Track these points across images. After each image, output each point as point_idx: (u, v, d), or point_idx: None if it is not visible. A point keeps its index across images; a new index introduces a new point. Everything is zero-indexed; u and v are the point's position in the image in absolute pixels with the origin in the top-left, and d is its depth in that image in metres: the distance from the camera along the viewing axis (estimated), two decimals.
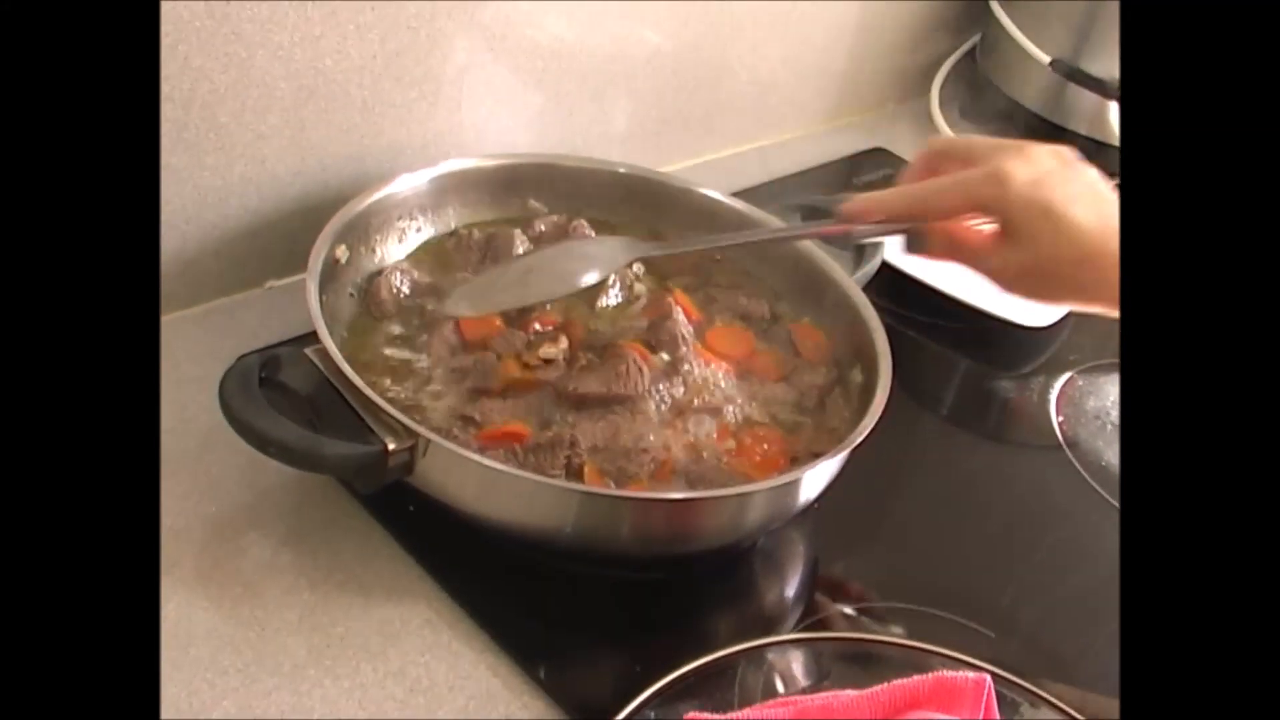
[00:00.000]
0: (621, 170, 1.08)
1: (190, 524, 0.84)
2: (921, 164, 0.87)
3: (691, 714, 0.72)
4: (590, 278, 0.92)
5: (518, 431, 0.86)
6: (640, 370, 0.90)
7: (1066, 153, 0.84)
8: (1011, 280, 0.82)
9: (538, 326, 0.95)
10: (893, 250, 1.10)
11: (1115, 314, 0.80)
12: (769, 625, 0.89)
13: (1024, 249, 0.80)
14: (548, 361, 0.91)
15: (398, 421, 0.79)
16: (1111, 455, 1.06)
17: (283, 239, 1.03)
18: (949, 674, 0.72)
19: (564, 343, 0.93)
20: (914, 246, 0.86)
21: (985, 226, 0.83)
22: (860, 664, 0.83)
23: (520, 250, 1.02)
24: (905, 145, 1.47)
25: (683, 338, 0.95)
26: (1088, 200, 0.80)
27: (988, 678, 0.72)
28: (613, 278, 1.01)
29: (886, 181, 1.32)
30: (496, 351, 0.92)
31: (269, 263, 1.04)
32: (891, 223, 0.85)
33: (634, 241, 0.96)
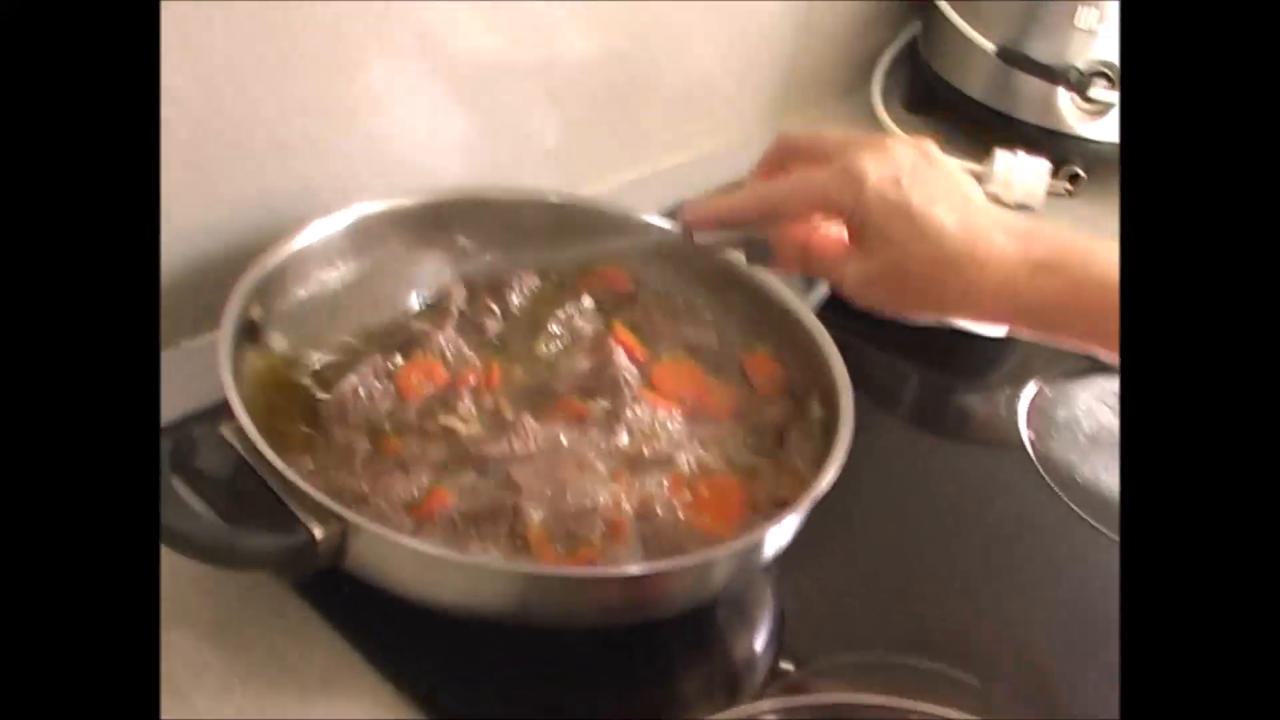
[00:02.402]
0: (553, 200, 1.01)
1: None
2: (769, 161, 0.81)
3: None
4: (413, 299, 0.92)
5: (440, 500, 0.80)
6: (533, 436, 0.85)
7: (928, 146, 0.78)
8: (866, 290, 0.76)
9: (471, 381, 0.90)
10: None
11: (978, 326, 0.75)
12: (738, 686, 0.83)
13: (880, 254, 0.74)
14: (449, 430, 0.86)
15: (322, 506, 0.72)
16: (1087, 469, 1.01)
17: (196, 295, 0.95)
18: None
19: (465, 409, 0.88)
20: (759, 257, 0.81)
21: (839, 231, 0.77)
22: None
23: (458, 297, 0.96)
24: None
25: (625, 381, 0.89)
26: (950, 200, 0.74)
27: None
28: (556, 325, 0.96)
29: None
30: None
31: (183, 321, 0.96)
32: (736, 229, 0.80)
33: (450, 255, 0.95)
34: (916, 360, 1.13)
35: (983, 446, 1.07)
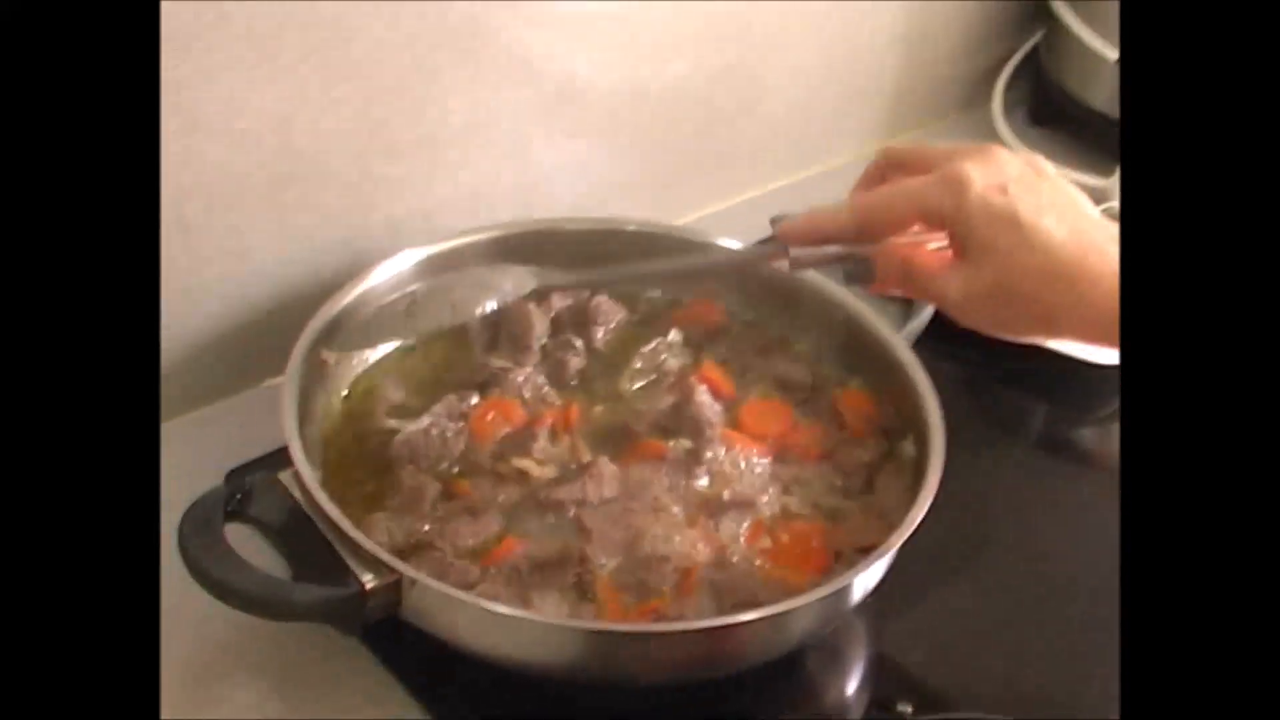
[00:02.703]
0: (633, 228, 0.98)
1: (167, 670, 0.75)
2: (870, 176, 0.77)
3: None
4: (489, 306, 0.83)
5: (510, 549, 0.77)
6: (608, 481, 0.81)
7: (1038, 160, 0.72)
8: (970, 307, 0.71)
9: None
10: None
11: (1084, 350, 0.69)
12: None
13: (985, 267, 0.69)
14: (521, 473, 0.83)
15: (374, 556, 0.70)
16: None
17: (277, 333, 0.92)
18: None
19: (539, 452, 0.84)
20: (858, 276, 0.75)
21: (943, 248, 0.72)
22: None
23: (540, 331, 0.93)
24: None
25: (708, 422, 0.85)
26: (1060, 210, 0.69)
27: None
28: (641, 361, 0.93)
29: None
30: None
31: (267, 360, 0.94)
32: (834, 244, 0.75)
33: (539, 270, 0.87)
34: (1030, 391, 1.07)
35: (1098, 485, 1.00)
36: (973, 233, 0.69)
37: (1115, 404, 1.05)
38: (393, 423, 0.86)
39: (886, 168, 0.76)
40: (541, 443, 0.85)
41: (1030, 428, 1.07)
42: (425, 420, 0.85)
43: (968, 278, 0.69)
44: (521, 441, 0.85)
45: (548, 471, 0.83)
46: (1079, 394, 1.06)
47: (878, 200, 0.73)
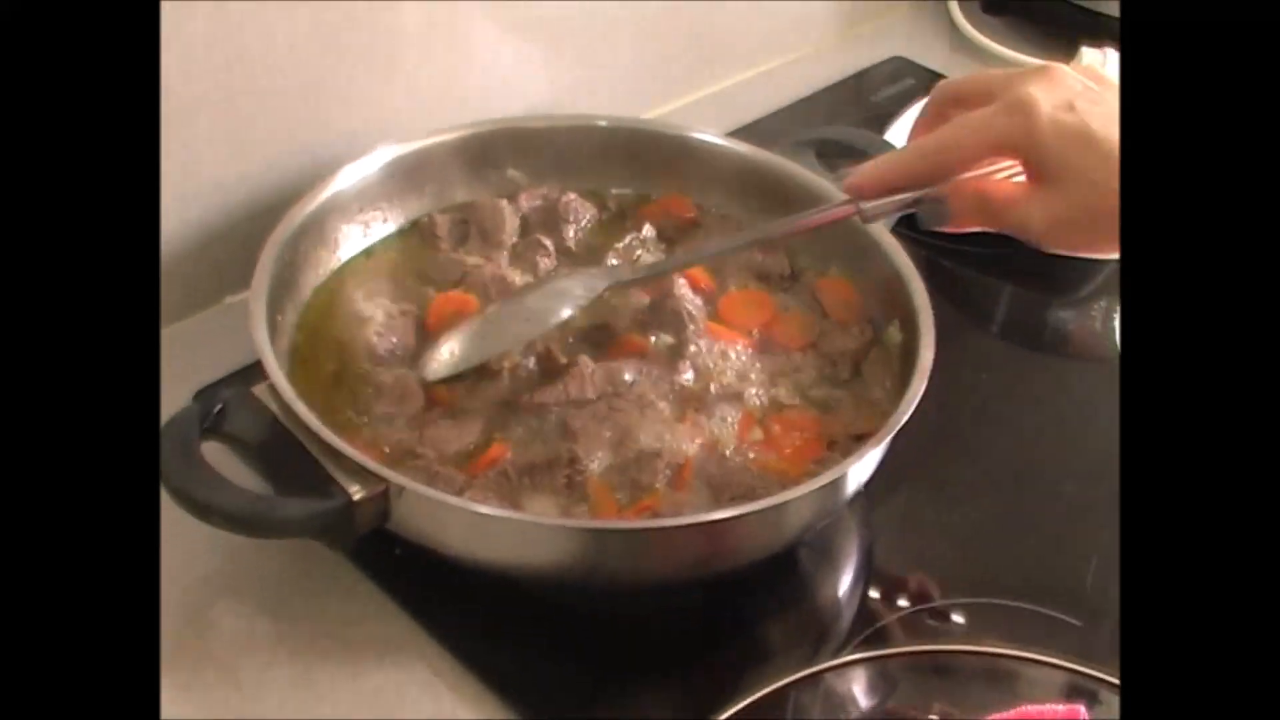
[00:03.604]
0: (603, 124, 0.95)
1: None
2: (929, 114, 0.75)
3: None
4: (566, 312, 0.80)
5: (498, 454, 0.75)
6: (591, 380, 0.79)
7: (1096, 69, 0.72)
8: (1056, 232, 0.69)
9: None
10: None
11: None
12: (823, 638, 0.77)
13: (1065, 189, 0.67)
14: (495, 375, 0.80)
15: (360, 465, 0.68)
16: None
17: (236, 249, 0.90)
18: (1034, 708, 0.61)
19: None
20: (935, 218, 0.74)
21: (1016, 176, 0.70)
22: (933, 676, 0.71)
23: (511, 228, 0.91)
24: (925, 50, 1.32)
25: (688, 314, 0.83)
26: None
27: (1081, 708, 0.61)
28: (615, 258, 0.90)
29: (909, 93, 1.20)
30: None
31: (225, 276, 0.92)
32: (906, 191, 0.73)
33: (611, 269, 0.87)
34: (1007, 276, 1.05)
35: (1078, 363, 1.00)
36: (1047, 156, 0.67)
37: (1089, 286, 1.04)
38: (364, 330, 0.83)
39: (944, 104, 0.75)
40: None
41: (1006, 312, 1.06)
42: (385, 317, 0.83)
43: (1048, 203, 0.68)
44: None
45: (522, 374, 0.81)
46: (1051, 277, 1.05)
47: (944, 140, 0.71)
